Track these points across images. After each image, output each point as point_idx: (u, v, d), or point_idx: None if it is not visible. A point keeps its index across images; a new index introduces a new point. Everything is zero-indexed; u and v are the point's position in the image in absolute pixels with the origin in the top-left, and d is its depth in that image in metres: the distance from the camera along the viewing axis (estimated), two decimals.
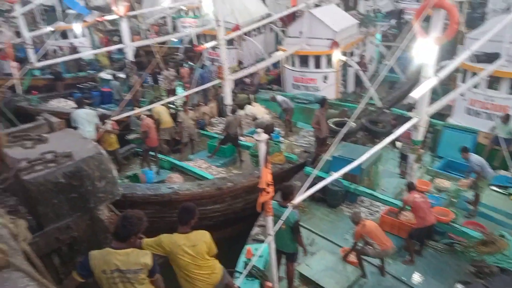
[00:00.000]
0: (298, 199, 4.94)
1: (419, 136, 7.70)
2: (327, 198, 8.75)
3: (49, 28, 18.88)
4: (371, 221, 6.67)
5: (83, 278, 3.38)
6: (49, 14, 22.37)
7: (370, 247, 6.42)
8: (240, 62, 17.94)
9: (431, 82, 6.77)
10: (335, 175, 5.63)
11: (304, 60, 15.29)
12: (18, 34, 18.91)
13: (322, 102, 10.04)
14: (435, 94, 9.10)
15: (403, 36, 12.15)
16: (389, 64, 8.62)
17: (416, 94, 6.17)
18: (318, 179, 5.94)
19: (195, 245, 3.92)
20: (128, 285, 3.39)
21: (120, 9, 14.43)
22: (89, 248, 3.64)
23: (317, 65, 15.21)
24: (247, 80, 15.92)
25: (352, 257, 6.80)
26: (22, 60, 16.05)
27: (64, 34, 20.65)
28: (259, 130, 4.44)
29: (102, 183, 3.89)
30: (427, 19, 6.59)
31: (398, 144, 10.52)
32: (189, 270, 3.96)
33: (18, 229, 2.82)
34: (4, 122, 12.20)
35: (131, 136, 11.07)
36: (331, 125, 11.50)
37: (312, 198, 8.55)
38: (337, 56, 14.27)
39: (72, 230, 3.72)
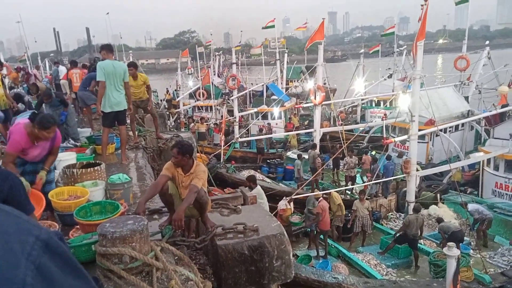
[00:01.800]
0: None
1: None
2: None
3: (254, 110, 22.18)
4: None
5: None
6: (257, 98, 26.41)
7: None
8: (429, 158, 16.78)
9: None
10: None
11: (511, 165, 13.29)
12: (230, 112, 22.89)
13: None
14: None
15: None
16: None
17: None
18: None
19: None
20: None
21: (317, 99, 15.81)
22: None
23: None
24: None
25: None
26: (227, 135, 19.13)
27: (264, 115, 23.80)
28: (450, 244, 3.90)
29: (278, 262, 4.03)
30: None
31: None
32: None
33: None
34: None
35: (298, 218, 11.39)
36: None
37: None
38: None
39: None
